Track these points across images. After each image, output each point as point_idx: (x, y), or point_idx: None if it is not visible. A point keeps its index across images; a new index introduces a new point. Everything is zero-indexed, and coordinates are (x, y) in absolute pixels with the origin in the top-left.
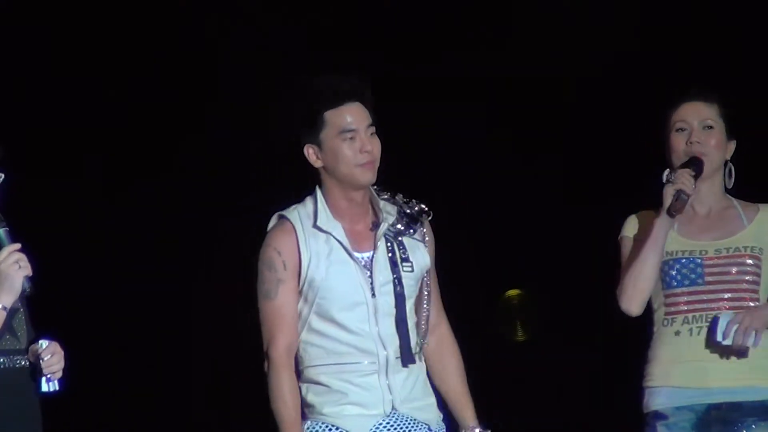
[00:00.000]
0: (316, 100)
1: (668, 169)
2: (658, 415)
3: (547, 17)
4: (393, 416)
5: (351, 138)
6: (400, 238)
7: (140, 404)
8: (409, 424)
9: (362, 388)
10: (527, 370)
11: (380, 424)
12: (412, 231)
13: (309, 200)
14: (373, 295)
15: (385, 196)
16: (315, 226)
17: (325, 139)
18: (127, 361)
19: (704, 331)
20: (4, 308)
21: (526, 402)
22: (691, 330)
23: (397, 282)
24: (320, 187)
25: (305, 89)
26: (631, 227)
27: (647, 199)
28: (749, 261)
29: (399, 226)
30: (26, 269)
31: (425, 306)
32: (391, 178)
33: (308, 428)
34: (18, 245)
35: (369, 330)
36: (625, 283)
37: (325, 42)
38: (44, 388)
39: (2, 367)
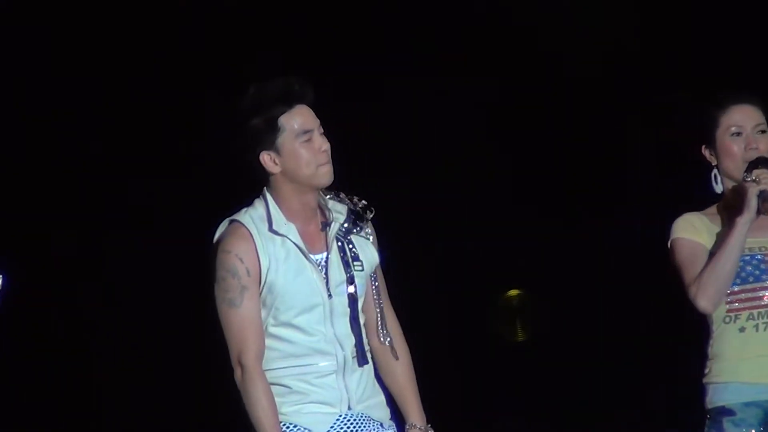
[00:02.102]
0: (269, 105)
1: (745, 171)
2: (725, 411)
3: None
4: (349, 415)
5: (308, 140)
6: (348, 237)
7: (135, 408)
8: (365, 422)
9: (322, 388)
10: (527, 370)
11: (338, 422)
12: (358, 229)
13: (258, 204)
14: (330, 296)
15: (330, 195)
16: (271, 230)
17: (283, 143)
18: (121, 368)
19: None
20: None
21: (526, 402)
22: (757, 326)
23: (350, 282)
24: (269, 191)
25: (253, 97)
26: (684, 229)
27: (648, 200)
28: None
29: (346, 224)
30: None
31: (377, 303)
32: (391, 178)
33: None
34: None
35: (325, 331)
36: (705, 283)
37: (325, 41)
38: None
39: None
